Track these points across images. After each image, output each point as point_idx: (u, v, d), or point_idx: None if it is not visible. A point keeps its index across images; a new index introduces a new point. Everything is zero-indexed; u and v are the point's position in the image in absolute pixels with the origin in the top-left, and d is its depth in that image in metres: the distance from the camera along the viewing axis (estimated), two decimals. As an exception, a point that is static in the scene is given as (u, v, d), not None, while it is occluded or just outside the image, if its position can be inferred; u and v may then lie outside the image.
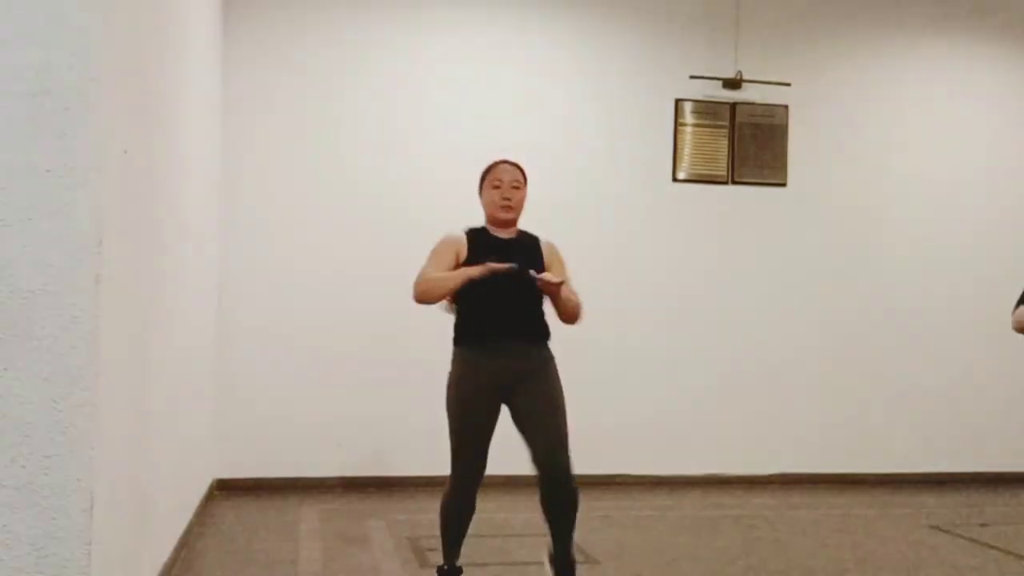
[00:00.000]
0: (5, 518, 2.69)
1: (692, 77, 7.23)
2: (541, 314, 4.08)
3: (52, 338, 2.71)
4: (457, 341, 4.12)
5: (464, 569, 4.24)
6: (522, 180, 4.13)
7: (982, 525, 6.03)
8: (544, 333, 4.09)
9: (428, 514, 6.04)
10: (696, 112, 7.29)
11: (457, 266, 4.03)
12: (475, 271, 3.93)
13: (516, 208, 4.09)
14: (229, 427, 6.51)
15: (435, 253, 4.07)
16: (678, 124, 7.27)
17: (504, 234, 4.11)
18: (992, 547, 5.51)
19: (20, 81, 2.72)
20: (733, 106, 7.33)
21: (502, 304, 3.99)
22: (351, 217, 6.78)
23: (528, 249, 4.09)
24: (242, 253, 6.64)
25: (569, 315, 4.07)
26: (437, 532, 5.47)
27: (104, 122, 2.80)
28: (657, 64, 7.26)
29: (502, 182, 4.08)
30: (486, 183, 4.13)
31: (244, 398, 6.57)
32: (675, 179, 7.27)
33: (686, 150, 7.28)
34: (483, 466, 4.06)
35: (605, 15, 7.22)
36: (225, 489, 6.49)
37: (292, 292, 6.69)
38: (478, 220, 4.20)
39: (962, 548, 5.52)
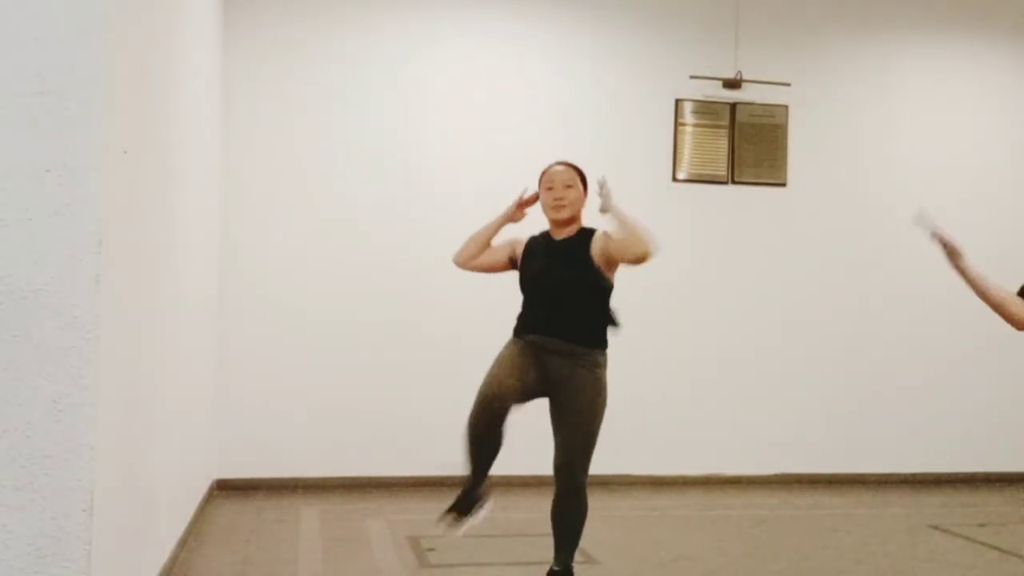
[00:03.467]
0: (5, 518, 2.69)
1: (692, 77, 7.23)
2: (592, 318, 4.06)
3: (52, 338, 2.72)
4: (514, 333, 4.13)
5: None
6: (576, 179, 4.17)
7: (981, 525, 6.03)
8: (592, 339, 4.04)
9: (428, 514, 6.04)
10: (696, 112, 7.29)
11: (509, 263, 4.25)
12: (508, 210, 4.28)
13: (570, 207, 4.12)
14: (229, 427, 6.51)
15: (494, 246, 4.30)
16: (678, 124, 7.27)
17: (562, 235, 4.15)
18: (992, 547, 5.51)
19: (20, 81, 2.72)
20: (733, 106, 7.33)
21: (543, 305, 4.05)
22: (353, 220, 6.78)
23: (578, 248, 4.09)
24: (243, 254, 6.64)
25: (628, 235, 3.93)
26: (437, 532, 5.49)
27: (104, 122, 2.80)
28: (657, 64, 7.26)
29: (554, 183, 4.15)
30: (541, 187, 4.21)
31: (244, 398, 6.56)
32: (675, 179, 7.27)
33: (686, 150, 7.28)
34: (504, 393, 3.85)
35: (605, 15, 7.22)
36: (225, 489, 6.49)
37: (293, 293, 6.69)
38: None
39: (962, 548, 5.52)
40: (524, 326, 4.09)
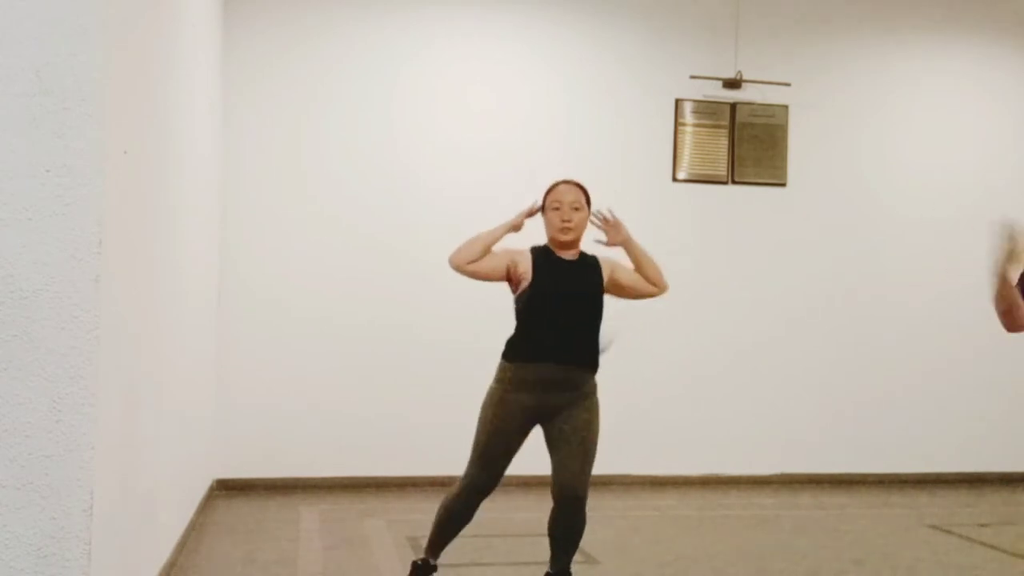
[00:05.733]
0: (5, 518, 2.69)
1: (692, 77, 7.23)
2: (595, 340, 4.05)
3: (52, 338, 2.71)
4: (507, 356, 4.02)
5: (439, 568, 4.27)
6: (583, 201, 4.11)
7: (982, 525, 6.03)
8: (594, 362, 4.04)
9: (428, 514, 6.02)
10: (696, 112, 7.29)
11: (508, 276, 4.07)
12: (516, 219, 4.10)
13: (576, 230, 4.07)
14: (229, 427, 6.51)
15: (493, 252, 4.10)
16: (678, 124, 7.27)
17: (567, 255, 4.11)
18: (992, 547, 5.51)
19: (20, 81, 2.72)
20: (733, 106, 7.33)
21: (560, 325, 3.97)
22: (354, 222, 6.77)
23: (589, 270, 4.09)
24: (242, 254, 6.64)
25: (652, 273, 4.09)
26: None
27: (104, 122, 2.80)
28: (657, 64, 7.26)
29: (562, 204, 4.06)
30: (547, 205, 4.12)
31: (244, 398, 6.56)
32: (675, 179, 7.27)
33: (686, 150, 7.28)
34: (495, 482, 4.06)
35: (605, 15, 7.22)
36: (225, 489, 6.49)
37: (293, 293, 6.69)
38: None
39: (962, 548, 5.52)
40: (532, 351, 3.96)
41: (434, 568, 4.22)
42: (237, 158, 6.62)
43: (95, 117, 2.76)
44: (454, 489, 4.12)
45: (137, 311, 3.51)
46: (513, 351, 4.01)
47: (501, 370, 4.02)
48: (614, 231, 4.15)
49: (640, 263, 4.11)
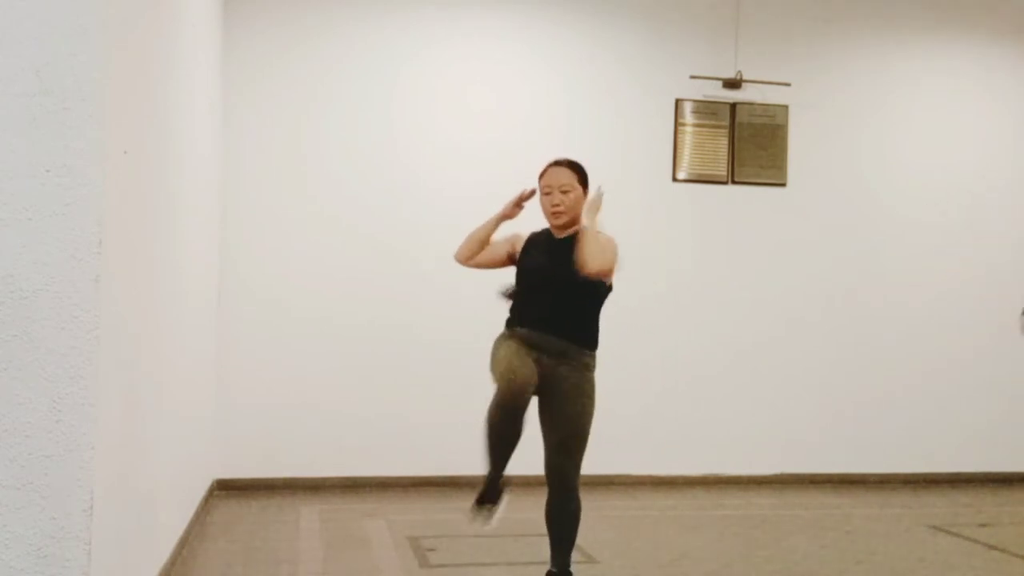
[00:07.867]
0: (5, 518, 2.70)
1: (692, 77, 7.23)
2: (585, 318, 4.07)
3: (52, 338, 2.72)
4: (506, 323, 4.17)
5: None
6: (575, 181, 4.13)
7: (982, 525, 6.03)
8: (585, 339, 4.05)
9: (428, 514, 6.07)
10: (696, 112, 7.29)
11: (509, 259, 4.26)
12: (505, 208, 4.27)
13: (568, 212, 4.10)
14: (229, 427, 6.51)
15: (494, 242, 4.31)
16: (678, 124, 7.27)
17: (563, 234, 4.15)
18: (992, 547, 5.51)
19: (20, 81, 2.72)
20: (733, 106, 7.33)
21: (540, 302, 4.04)
22: (354, 222, 6.77)
23: (574, 248, 4.07)
24: (242, 254, 6.64)
25: (587, 253, 3.93)
26: (437, 532, 5.51)
27: (104, 122, 2.80)
28: (657, 64, 7.26)
29: (552, 188, 4.13)
30: (540, 189, 4.19)
31: (244, 398, 6.56)
32: (675, 179, 7.27)
33: (686, 150, 7.28)
34: (521, 390, 3.84)
35: (605, 15, 7.22)
36: (225, 489, 6.49)
37: (293, 293, 6.69)
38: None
39: (962, 548, 5.52)
40: (519, 319, 4.10)
41: (501, 490, 4.00)
42: (237, 158, 6.62)
43: (95, 117, 2.76)
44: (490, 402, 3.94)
45: (137, 311, 3.51)
46: (508, 320, 4.17)
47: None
48: (588, 211, 4.10)
49: (584, 241, 3.99)
